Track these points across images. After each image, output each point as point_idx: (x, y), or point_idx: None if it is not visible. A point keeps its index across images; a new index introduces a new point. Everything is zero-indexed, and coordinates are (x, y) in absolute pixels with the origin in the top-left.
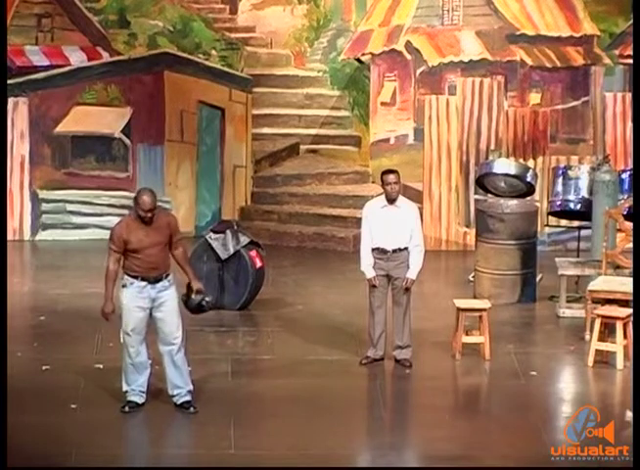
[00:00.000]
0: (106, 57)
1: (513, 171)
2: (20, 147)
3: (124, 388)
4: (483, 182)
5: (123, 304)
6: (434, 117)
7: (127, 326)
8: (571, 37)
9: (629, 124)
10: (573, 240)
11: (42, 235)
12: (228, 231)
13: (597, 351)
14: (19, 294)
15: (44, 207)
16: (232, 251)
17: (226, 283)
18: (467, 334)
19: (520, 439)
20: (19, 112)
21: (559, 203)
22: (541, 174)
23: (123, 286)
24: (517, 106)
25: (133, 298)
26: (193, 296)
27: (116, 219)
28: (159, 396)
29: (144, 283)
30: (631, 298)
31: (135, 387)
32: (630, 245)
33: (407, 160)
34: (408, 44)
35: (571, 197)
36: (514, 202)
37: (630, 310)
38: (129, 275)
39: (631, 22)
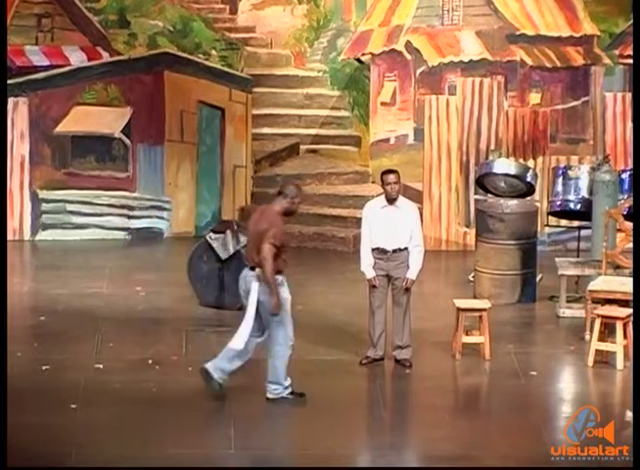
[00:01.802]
0: (106, 57)
1: (513, 171)
2: (20, 147)
3: (288, 382)
4: (483, 182)
5: (284, 298)
6: (434, 117)
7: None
8: (571, 37)
9: (629, 124)
10: (573, 240)
11: (42, 235)
12: (228, 231)
13: (597, 351)
14: (19, 294)
15: (44, 207)
16: (232, 251)
17: (226, 283)
18: (467, 334)
19: (520, 439)
20: (19, 112)
21: (559, 203)
22: (541, 174)
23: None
24: (517, 106)
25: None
26: None
27: (116, 219)
28: (159, 395)
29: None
30: (631, 298)
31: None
32: (630, 245)
33: (407, 160)
34: (408, 44)
35: (571, 197)
36: (514, 202)
37: (630, 310)
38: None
39: (631, 22)
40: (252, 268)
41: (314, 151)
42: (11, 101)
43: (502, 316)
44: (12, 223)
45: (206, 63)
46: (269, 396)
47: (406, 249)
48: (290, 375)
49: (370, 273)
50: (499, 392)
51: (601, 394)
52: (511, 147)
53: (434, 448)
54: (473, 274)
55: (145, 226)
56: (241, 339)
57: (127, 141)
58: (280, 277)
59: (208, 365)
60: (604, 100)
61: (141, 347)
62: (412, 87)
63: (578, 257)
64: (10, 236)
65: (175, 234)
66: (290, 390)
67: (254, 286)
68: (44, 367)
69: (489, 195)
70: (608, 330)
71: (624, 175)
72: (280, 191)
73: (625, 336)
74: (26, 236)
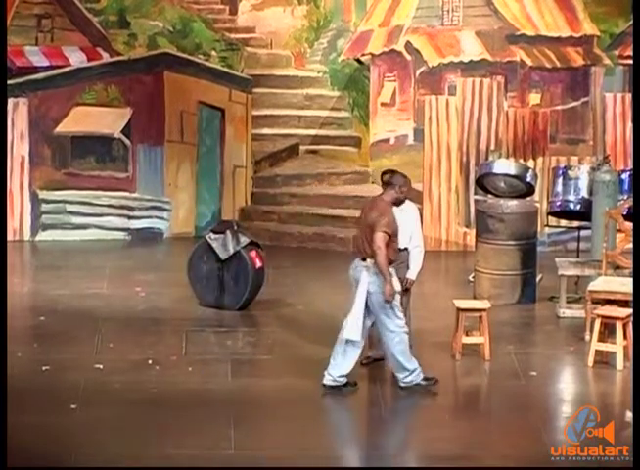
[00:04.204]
0: (106, 57)
1: (513, 172)
2: (20, 147)
3: (413, 365)
4: (483, 182)
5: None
6: (434, 117)
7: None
8: (571, 38)
9: (629, 125)
10: (573, 240)
11: (42, 235)
12: (228, 231)
13: (597, 351)
14: (19, 294)
15: (44, 207)
16: (232, 251)
17: (226, 283)
18: (467, 334)
19: (520, 439)
20: (19, 112)
21: (559, 203)
22: (541, 175)
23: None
24: (517, 106)
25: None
26: None
27: (116, 220)
28: (159, 395)
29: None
30: (631, 298)
31: None
32: (630, 245)
33: (407, 160)
34: (408, 44)
35: (571, 197)
36: (514, 202)
37: (630, 311)
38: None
39: (631, 22)
40: (364, 259)
41: (314, 151)
42: (11, 101)
43: (502, 317)
44: (12, 224)
45: (206, 63)
46: (402, 385)
47: (406, 249)
48: (291, 375)
49: None
50: (499, 392)
51: (601, 394)
52: (511, 147)
53: (434, 448)
54: (473, 275)
55: (145, 227)
56: (355, 329)
57: (127, 141)
58: (391, 269)
59: (327, 381)
60: (604, 100)
61: (141, 347)
62: (412, 88)
63: (578, 257)
64: (10, 236)
65: (175, 234)
66: (421, 376)
67: (364, 277)
68: (44, 367)
69: (489, 195)
70: (608, 330)
71: (624, 176)
72: (388, 182)
73: (625, 336)
74: (26, 236)
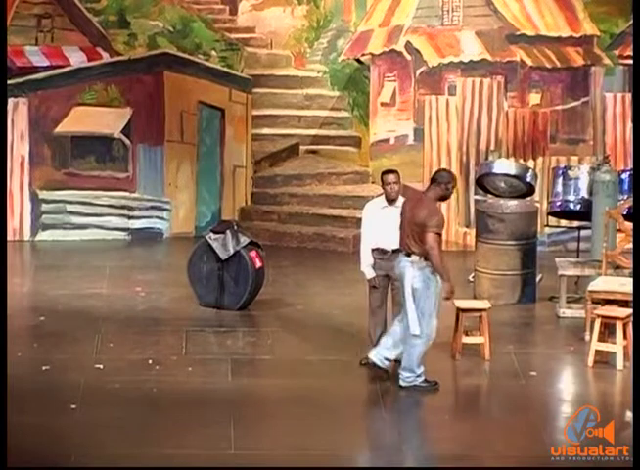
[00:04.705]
0: (106, 57)
1: (513, 172)
2: (20, 147)
3: (420, 370)
4: (483, 182)
5: (437, 292)
6: (434, 117)
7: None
8: (571, 38)
9: (629, 125)
10: (573, 240)
11: (42, 235)
12: (228, 231)
13: (597, 351)
14: (19, 294)
15: (44, 207)
16: (232, 251)
17: (226, 283)
18: (467, 334)
19: (520, 439)
20: (19, 112)
21: (559, 203)
22: (541, 175)
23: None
24: (517, 106)
25: None
26: None
27: (116, 220)
28: (159, 395)
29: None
30: (631, 298)
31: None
32: (630, 245)
33: (407, 160)
34: (408, 44)
35: (571, 197)
36: (514, 202)
37: (630, 311)
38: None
39: (631, 22)
40: (408, 254)
41: (314, 151)
42: (11, 101)
43: (502, 317)
44: (12, 224)
45: (206, 63)
46: (402, 383)
47: None
48: (291, 375)
49: (370, 273)
50: (499, 392)
51: (601, 394)
52: (511, 147)
53: (434, 448)
54: (473, 275)
55: (145, 227)
56: (414, 323)
57: (127, 141)
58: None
59: (372, 356)
60: (604, 100)
61: (141, 347)
62: (412, 87)
63: (578, 257)
64: (10, 236)
65: (175, 234)
66: (423, 378)
67: (409, 272)
68: (44, 367)
69: (489, 195)
70: (608, 330)
71: (624, 176)
72: (433, 178)
73: (625, 336)
74: (26, 236)
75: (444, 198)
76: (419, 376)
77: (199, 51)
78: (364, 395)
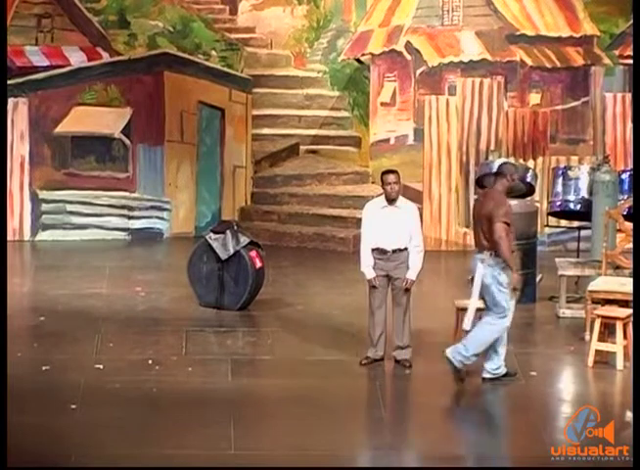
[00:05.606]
0: (106, 57)
1: None
2: (20, 147)
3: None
4: (483, 182)
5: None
6: (434, 117)
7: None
8: (571, 38)
9: (629, 125)
10: (573, 240)
11: (42, 235)
12: (228, 231)
13: (597, 351)
14: (19, 294)
15: (44, 207)
16: (232, 251)
17: (226, 283)
18: (467, 334)
19: (520, 439)
20: (19, 112)
21: (559, 203)
22: (541, 175)
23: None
24: (517, 106)
25: None
26: None
27: (116, 220)
28: (159, 395)
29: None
30: (631, 298)
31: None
32: (630, 245)
33: (407, 160)
34: (408, 44)
35: (571, 197)
36: (514, 202)
37: (630, 311)
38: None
39: (631, 22)
40: (480, 251)
41: (314, 151)
42: (11, 101)
43: None
44: (12, 224)
45: (206, 63)
46: (486, 375)
47: (406, 249)
48: (291, 375)
49: (370, 274)
50: (499, 392)
51: (601, 394)
52: (511, 147)
53: (434, 448)
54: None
55: (145, 227)
56: (468, 319)
57: (127, 141)
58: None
59: (449, 352)
60: (604, 100)
61: (141, 347)
62: (412, 87)
63: (578, 257)
64: (10, 236)
65: (175, 234)
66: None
67: (479, 269)
68: (44, 367)
69: None
70: (608, 330)
71: (624, 176)
72: (498, 172)
73: (625, 336)
74: (26, 236)
75: (510, 189)
76: (499, 367)
77: (199, 51)
78: (364, 395)
